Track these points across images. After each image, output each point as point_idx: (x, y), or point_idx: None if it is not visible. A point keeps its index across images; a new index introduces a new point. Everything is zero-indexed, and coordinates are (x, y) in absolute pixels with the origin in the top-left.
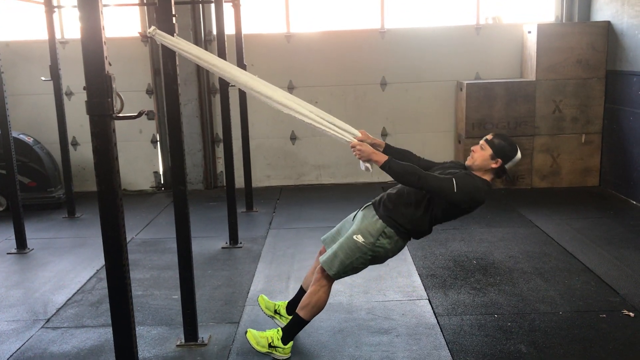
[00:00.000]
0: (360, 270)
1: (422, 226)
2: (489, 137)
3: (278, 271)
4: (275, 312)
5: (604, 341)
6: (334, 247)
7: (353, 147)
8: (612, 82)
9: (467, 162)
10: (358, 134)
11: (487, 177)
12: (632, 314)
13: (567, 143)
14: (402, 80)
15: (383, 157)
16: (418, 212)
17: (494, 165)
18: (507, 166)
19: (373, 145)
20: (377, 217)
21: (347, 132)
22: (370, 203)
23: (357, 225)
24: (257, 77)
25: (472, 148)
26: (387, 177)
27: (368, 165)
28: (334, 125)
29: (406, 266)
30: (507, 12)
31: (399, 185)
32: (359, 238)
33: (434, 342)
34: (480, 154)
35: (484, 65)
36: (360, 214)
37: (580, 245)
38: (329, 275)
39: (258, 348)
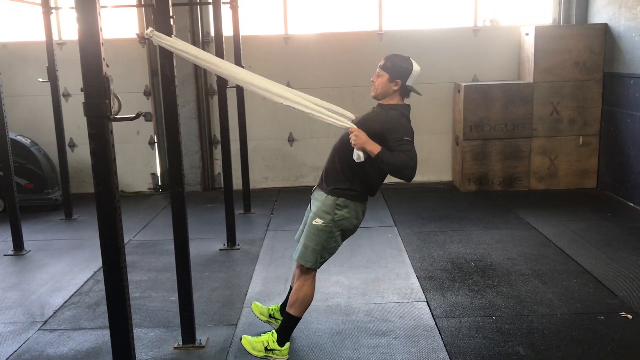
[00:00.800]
0: (336, 249)
1: (368, 182)
2: (382, 62)
3: (276, 273)
4: (270, 316)
5: (602, 343)
6: (301, 240)
7: (351, 132)
8: (609, 84)
9: (371, 94)
10: (352, 116)
11: (396, 101)
12: (630, 316)
13: (564, 145)
14: None
15: (377, 148)
16: (356, 171)
17: (395, 88)
18: (408, 83)
19: None
20: (324, 194)
21: (343, 117)
22: (315, 186)
23: (313, 210)
24: (254, 73)
25: (371, 79)
26: (385, 180)
27: (361, 153)
28: (331, 111)
29: (404, 268)
30: (504, 14)
31: (330, 153)
32: (318, 221)
33: (432, 344)
34: (380, 81)
35: (481, 67)
36: (312, 200)
37: (578, 247)
38: (308, 268)
39: (255, 353)
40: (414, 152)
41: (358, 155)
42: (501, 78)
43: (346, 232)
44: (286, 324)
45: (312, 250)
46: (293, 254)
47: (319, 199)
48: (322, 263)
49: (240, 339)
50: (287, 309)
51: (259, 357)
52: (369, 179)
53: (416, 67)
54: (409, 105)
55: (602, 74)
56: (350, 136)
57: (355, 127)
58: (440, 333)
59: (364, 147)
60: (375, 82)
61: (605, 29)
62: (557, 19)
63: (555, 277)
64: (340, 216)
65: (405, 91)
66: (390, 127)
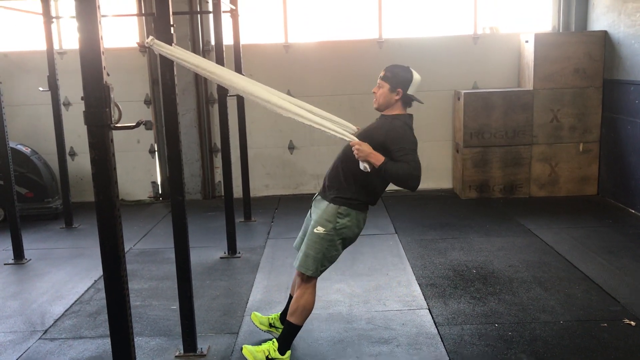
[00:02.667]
0: (336, 258)
1: (370, 191)
2: (382, 73)
3: (277, 281)
4: (271, 325)
5: (605, 350)
6: (302, 248)
7: (353, 145)
8: (609, 91)
9: (374, 106)
10: (354, 128)
11: (399, 111)
12: (633, 323)
13: (565, 152)
14: None
15: (380, 159)
16: (358, 180)
17: (397, 97)
18: (409, 92)
19: None
20: (326, 202)
21: (345, 128)
22: (317, 194)
23: (314, 218)
24: (255, 81)
25: (372, 90)
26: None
27: (366, 165)
28: (332, 122)
29: (406, 276)
30: (504, 22)
31: (333, 163)
32: (320, 229)
33: (434, 352)
34: (381, 92)
35: (481, 75)
36: (313, 207)
37: (580, 254)
38: (308, 276)
39: None
40: (417, 162)
41: (364, 167)
42: (501, 85)
43: (347, 241)
44: (287, 333)
45: (313, 259)
46: (293, 262)
47: (320, 207)
48: (322, 271)
49: (241, 349)
50: (288, 318)
51: None
52: (371, 188)
53: (416, 76)
54: (411, 115)
55: (602, 81)
56: (352, 149)
57: (357, 140)
58: (442, 341)
59: (367, 159)
60: (376, 94)
61: (604, 36)
62: (556, 27)
63: (557, 284)
64: (342, 225)
65: (407, 100)
66: (394, 137)
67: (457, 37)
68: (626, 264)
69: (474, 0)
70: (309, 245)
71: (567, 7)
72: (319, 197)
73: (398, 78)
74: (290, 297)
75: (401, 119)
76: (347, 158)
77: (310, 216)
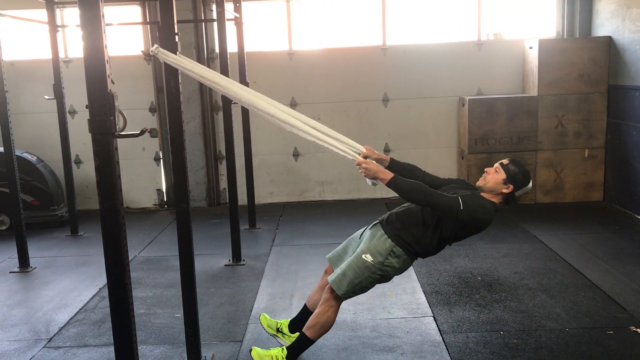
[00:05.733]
0: (368, 290)
1: (430, 246)
2: (505, 161)
3: (281, 289)
4: (278, 330)
5: (611, 358)
6: (343, 266)
7: (359, 164)
8: (614, 97)
9: (479, 183)
10: (362, 149)
11: (496, 200)
12: (639, 331)
13: (570, 158)
14: (404, 96)
15: (389, 175)
16: (427, 232)
17: (504, 190)
18: (517, 193)
19: (378, 160)
20: (385, 236)
21: (352, 148)
22: (377, 221)
23: (366, 244)
24: (259, 94)
25: (485, 169)
26: (390, 193)
27: (375, 181)
28: (338, 141)
29: (410, 283)
30: (508, 28)
31: (407, 204)
32: (368, 257)
33: None
34: (494, 177)
35: (485, 81)
36: (368, 232)
37: (586, 261)
38: (338, 295)
39: None
40: (441, 200)
41: (372, 183)
42: (505, 91)
43: (383, 279)
44: (299, 344)
45: (349, 281)
46: (329, 277)
47: (376, 237)
48: (350, 297)
49: (250, 350)
50: (305, 330)
51: None
52: (430, 244)
53: (530, 185)
54: (500, 208)
55: (607, 87)
56: (358, 169)
57: (362, 159)
58: (447, 349)
59: (375, 176)
60: (488, 175)
61: (609, 41)
62: (560, 32)
63: (563, 291)
64: (389, 263)
65: (509, 198)
66: (466, 194)
67: (461, 44)
68: (632, 270)
69: (478, 7)
70: (351, 267)
71: (571, 12)
72: (378, 225)
73: (516, 176)
74: (304, 307)
75: (492, 204)
76: (425, 209)
77: (360, 237)
